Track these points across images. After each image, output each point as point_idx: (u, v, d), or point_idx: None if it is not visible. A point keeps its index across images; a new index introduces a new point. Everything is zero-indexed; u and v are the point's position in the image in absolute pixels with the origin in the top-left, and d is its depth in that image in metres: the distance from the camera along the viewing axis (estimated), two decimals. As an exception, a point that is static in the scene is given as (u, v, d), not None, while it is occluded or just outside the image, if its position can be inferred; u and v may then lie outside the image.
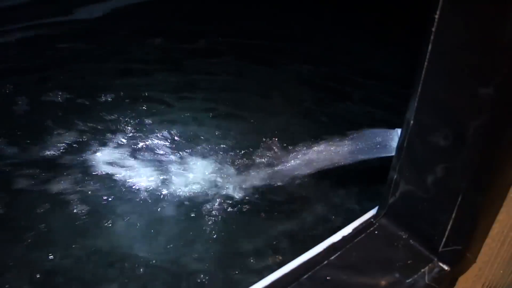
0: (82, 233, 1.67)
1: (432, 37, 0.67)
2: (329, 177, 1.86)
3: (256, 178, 1.86)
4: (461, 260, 0.82)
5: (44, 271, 1.53)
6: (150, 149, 2.04)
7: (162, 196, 1.81)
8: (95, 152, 2.01)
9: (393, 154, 0.87)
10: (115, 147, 2.04)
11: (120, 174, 1.91)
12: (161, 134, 2.12)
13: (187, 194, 1.82)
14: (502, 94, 0.63)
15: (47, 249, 1.59)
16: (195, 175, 1.90)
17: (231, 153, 2.01)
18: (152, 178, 1.88)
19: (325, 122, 2.28)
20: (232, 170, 1.91)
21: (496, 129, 0.67)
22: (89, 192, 1.82)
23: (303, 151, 1.85)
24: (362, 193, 1.86)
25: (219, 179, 1.87)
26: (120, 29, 3.07)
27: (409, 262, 0.85)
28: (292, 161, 1.82)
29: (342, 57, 2.84)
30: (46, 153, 1.99)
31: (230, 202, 1.79)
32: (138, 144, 2.06)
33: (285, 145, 2.00)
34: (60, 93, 2.35)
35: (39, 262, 1.56)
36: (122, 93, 2.39)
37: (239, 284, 1.48)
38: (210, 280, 1.52)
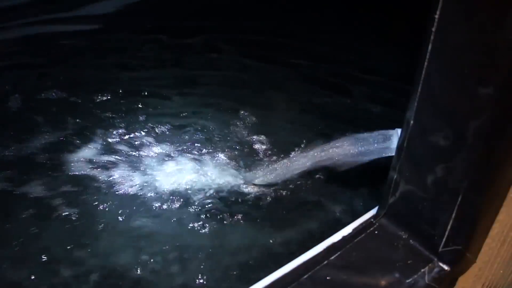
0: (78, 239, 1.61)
1: (432, 37, 0.67)
2: (329, 177, 1.86)
3: (257, 176, 1.85)
4: (461, 260, 0.82)
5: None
6: (150, 146, 2.02)
7: (162, 196, 1.80)
8: (86, 150, 1.97)
9: (393, 154, 0.87)
10: (112, 145, 2.01)
11: (116, 172, 1.87)
12: (160, 132, 2.10)
13: (193, 192, 1.81)
14: (502, 94, 0.63)
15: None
16: (196, 173, 1.89)
17: (231, 151, 2.00)
18: (152, 177, 1.87)
19: (326, 120, 2.27)
20: (231, 169, 1.91)
21: (496, 129, 0.67)
22: (80, 193, 1.77)
23: (303, 150, 1.85)
24: (362, 193, 1.86)
25: (219, 177, 1.86)
26: (121, 26, 3.07)
27: (409, 262, 0.85)
28: (294, 159, 1.82)
29: (344, 55, 2.83)
30: (30, 151, 1.95)
31: (229, 201, 1.78)
32: (137, 141, 2.04)
33: (286, 143, 2.00)
34: (57, 90, 2.33)
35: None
36: (121, 90, 2.38)
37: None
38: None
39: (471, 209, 0.76)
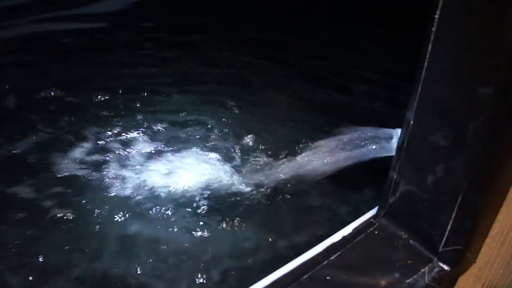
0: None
1: (432, 37, 0.67)
2: (328, 176, 1.85)
3: (258, 175, 1.84)
4: (461, 260, 0.82)
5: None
6: (148, 145, 2.00)
7: (159, 197, 1.78)
8: (80, 150, 1.95)
9: (393, 154, 0.87)
10: (107, 145, 2.00)
11: (110, 172, 1.85)
12: (160, 131, 2.10)
13: (191, 193, 1.79)
14: (502, 94, 0.63)
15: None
16: (195, 173, 1.88)
17: (231, 150, 2.00)
18: (150, 177, 1.85)
19: (327, 118, 2.26)
20: (231, 169, 1.90)
21: (496, 129, 0.67)
22: (72, 193, 1.75)
23: (303, 148, 1.85)
24: (362, 193, 1.86)
25: (218, 176, 1.85)
26: (122, 24, 3.07)
27: (409, 262, 0.85)
28: (295, 157, 1.81)
29: (346, 53, 2.83)
30: (22, 151, 1.93)
31: (228, 201, 1.77)
32: (134, 141, 2.03)
33: (287, 141, 1.99)
34: (55, 89, 2.33)
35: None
36: (120, 89, 2.38)
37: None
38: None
39: (471, 209, 0.76)
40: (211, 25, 3.10)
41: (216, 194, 1.80)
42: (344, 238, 0.89)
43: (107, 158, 1.93)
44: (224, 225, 1.68)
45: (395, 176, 0.86)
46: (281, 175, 1.83)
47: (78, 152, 1.95)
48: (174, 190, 1.80)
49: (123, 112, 2.22)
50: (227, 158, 1.95)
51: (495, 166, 0.71)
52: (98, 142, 2.02)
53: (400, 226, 0.90)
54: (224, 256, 1.57)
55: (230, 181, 1.84)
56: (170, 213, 1.71)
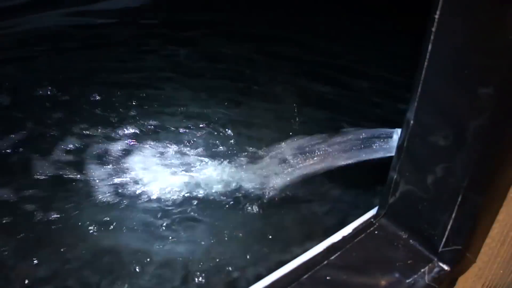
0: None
1: (432, 37, 0.67)
2: (328, 176, 1.85)
3: (259, 172, 1.84)
4: (461, 260, 0.82)
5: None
6: (147, 144, 1.97)
7: (156, 197, 1.76)
8: (68, 149, 1.90)
9: (393, 154, 0.87)
10: (100, 143, 1.96)
11: (100, 171, 1.81)
12: (159, 130, 2.07)
13: (189, 193, 1.77)
14: (502, 94, 0.63)
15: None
16: (194, 173, 1.87)
17: (231, 149, 1.99)
18: (147, 177, 1.84)
19: (331, 115, 2.25)
20: (230, 166, 1.89)
21: (496, 129, 0.67)
22: (53, 197, 1.68)
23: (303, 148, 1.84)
24: (362, 193, 1.86)
25: (217, 176, 1.84)
26: (123, 21, 3.07)
27: (409, 262, 0.85)
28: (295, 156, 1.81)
29: (351, 50, 2.83)
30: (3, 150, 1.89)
31: (227, 201, 1.75)
32: (130, 140, 2.00)
33: (287, 140, 1.98)
34: (51, 87, 2.29)
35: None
36: (118, 86, 2.35)
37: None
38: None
39: (471, 209, 0.76)
40: (215, 21, 3.09)
41: (216, 194, 1.79)
42: (344, 238, 0.89)
43: (100, 156, 1.88)
44: (224, 224, 1.66)
45: (395, 176, 0.86)
46: (282, 173, 1.82)
47: (61, 152, 1.88)
48: (174, 190, 1.77)
49: (119, 111, 2.16)
50: (229, 155, 1.93)
51: (495, 166, 0.71)
52: (89, 140, 1.96)
53: (400, 226, 0.90)
54: (226, 257, 1.56)
55: (231, 180, 1.83)
56: (169, 214, 1.68)
